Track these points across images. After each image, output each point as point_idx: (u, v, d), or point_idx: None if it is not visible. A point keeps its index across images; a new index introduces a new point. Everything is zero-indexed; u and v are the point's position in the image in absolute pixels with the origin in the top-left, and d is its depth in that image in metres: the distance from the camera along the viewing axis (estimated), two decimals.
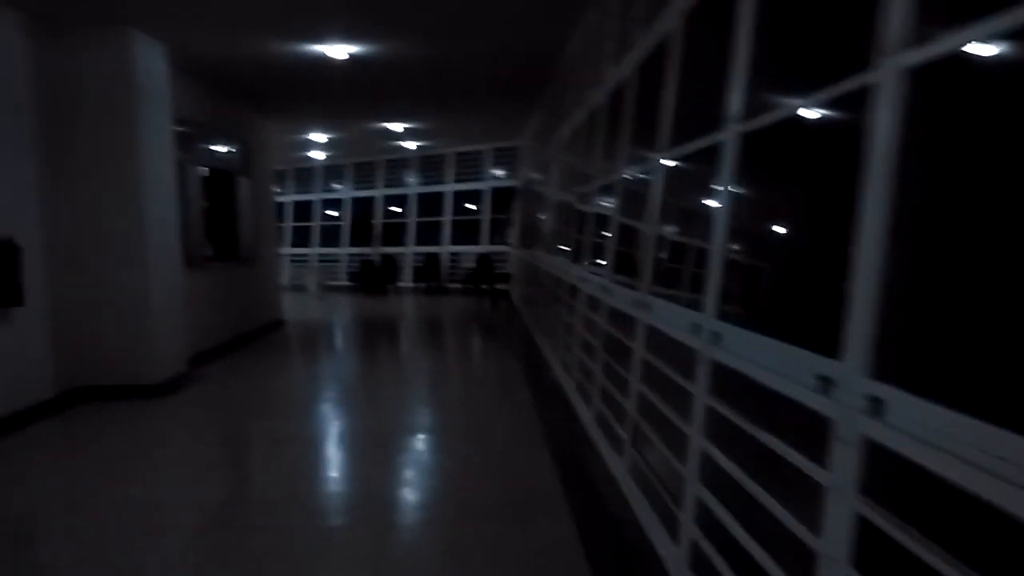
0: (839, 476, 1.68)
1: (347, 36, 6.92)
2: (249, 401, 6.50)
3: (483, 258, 15.60)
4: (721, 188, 2.54)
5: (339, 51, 7.31)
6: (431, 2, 5.97)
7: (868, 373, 1.59)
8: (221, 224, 9.88)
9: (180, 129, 7.95)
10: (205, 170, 9.54)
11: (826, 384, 1.74)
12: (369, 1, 5.95)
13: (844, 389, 1.67)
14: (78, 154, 6.13)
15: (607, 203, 4.88)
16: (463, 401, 6.41)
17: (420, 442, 5.15)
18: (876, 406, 1.56)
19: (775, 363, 2.01)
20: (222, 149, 9.45)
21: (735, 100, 2.49)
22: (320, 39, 6.97)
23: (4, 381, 5.34)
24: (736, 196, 2.49)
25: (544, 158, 10.30)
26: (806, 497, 1.85)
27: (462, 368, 8.06)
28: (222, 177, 9.69)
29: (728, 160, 2.50)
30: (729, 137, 2.51)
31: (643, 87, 4.12)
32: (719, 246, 2.52)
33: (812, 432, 1.81)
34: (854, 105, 1.79)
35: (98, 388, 6.29)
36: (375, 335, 10.91)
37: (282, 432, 5.37)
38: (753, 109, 2.39)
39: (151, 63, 6.60)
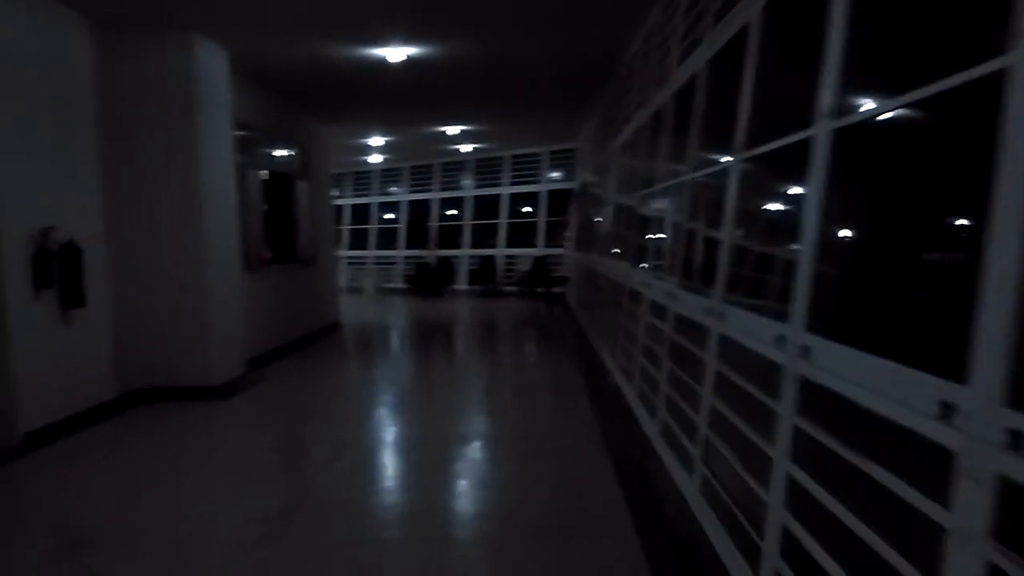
0: (965, 518, 1.45)
1: (407, 37, 6.85)
2: (305, 405, 6.49)
3: (539, 261, 15.45)
4: (810, 189, 2.32)
5: (398, 54, 7.25)
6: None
7: (1003, 401, 1.37)
8: (280, 227, 9.99)
9: (240, 133, 8.05)
10: (265, 173, 9.68)
11: (949, 412, 1.51)
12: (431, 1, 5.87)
13: (972, 419, 1.44)
14: (140, 159, 6.21)
15: (671, 206, 4.67)
16: (520, 408, 6.25)
17: (476, 451, 5.01)
18: (1015, 440, 1.33)
19: (880, 384, 1.78)
20: (281, 153, 9.54)
21: (828, 93, 2.26)
22: (379, 41, 6.93)
23: (67, 382, 5.42)
24: (827, 198, 2.25)
25: (603, 160, 10.08)
26: (914, 535, 1.64)
27: (518, 373, 7.91)
28: (281, 180, 9.78)
29: (820, 159, 2.28)
30: (821, 133, 2.27)
31: (714, 86, 3.91)
32: (809, 251, 2.30)
33: (922, 461, 1.60)
34: (973, 97, 1.57)
35: (157, 390, 6.37)
36: (430, 338, 10.87)
37: (337, 438, 5.30)
38: (845, 105, 2.18)
39: (213, 68, 6.66)
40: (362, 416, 6.05)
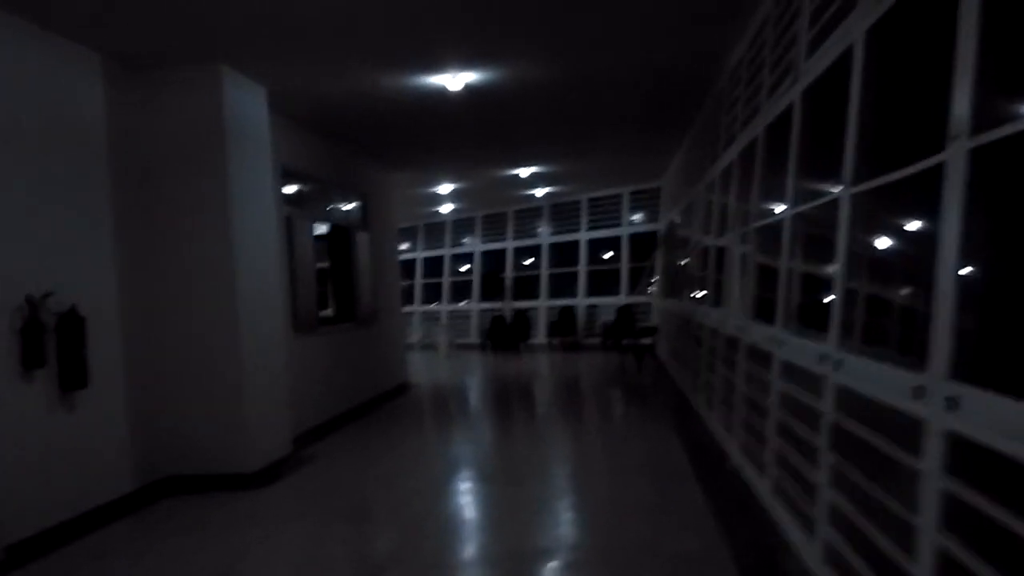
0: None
1: (466, 59, 5.92)
2: (356, 496, 5.40)
3: (623, 310, 14.15)
4: (947, 222, 2.06)
5: (455, 81, 6.33)
6: (566, 6, 4.85)
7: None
8: (338, 283, 9.16)
9: (289, 183, 7.27)
10: (323, 227, 8.90)
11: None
12: (489, 11, 4.91)
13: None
14: (161, 209, 5.44)
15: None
16: (615, 503, 4.93)
17: None
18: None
19: None
20: (338, 202, 8.75)
21: (961, 106, 1.99)
22: (435, 67, 6.03)
23: (67, 478, 4.52)
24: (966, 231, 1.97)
25: (692, 198, 8.85)
26: None
27: (609, 449, 6.60)
28: (339, 233, 8.99)
29: (955, 185, 2.01)
30: (955, 156, 2.00)
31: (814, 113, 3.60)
32: (949, 290, 2.03)
33: None
34: None
35: (185, 478, 5.45)
36: (506, 402, 9.70)
37: (381, 548, 4.19)
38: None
39: (247, 105, 5.89)
40: (417, 513, 4.89)
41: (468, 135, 8.69)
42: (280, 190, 7.01)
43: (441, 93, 6.62)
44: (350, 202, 9.07)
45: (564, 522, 4.56)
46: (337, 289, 9.24)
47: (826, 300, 3.17)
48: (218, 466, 5.49)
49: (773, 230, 4.28)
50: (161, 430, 5.38)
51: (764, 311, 4.59)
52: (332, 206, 8.56)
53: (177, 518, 4.92)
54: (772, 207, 4.53)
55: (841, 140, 3.00)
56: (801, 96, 3.78)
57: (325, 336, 7.97)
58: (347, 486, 5.64)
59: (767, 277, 4.65)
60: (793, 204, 3.83)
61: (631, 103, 7.80)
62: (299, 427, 6.84)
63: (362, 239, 9.24)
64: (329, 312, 9.20)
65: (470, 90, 6.56)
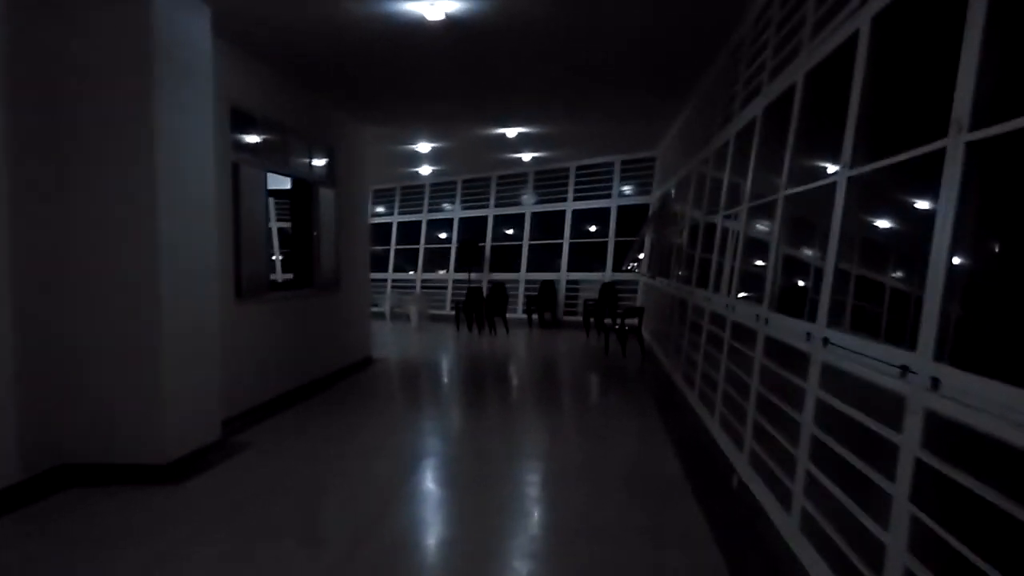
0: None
1: None
2: (288, 500, 4.52)
3: (607, 287, 13.30)
4: (942, 211, 2.08)
5: (434, 9, 5.36)
6: None
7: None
8: (299, 244, 8.20)
9: (240, 125, 6.26)
10: (279, 178, 7.92)
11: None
12: None
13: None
14: (68, 146, 4.44)
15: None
16: (593, 525, 4.11)
17: None
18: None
19: None
20: (300, 154, 7.74)
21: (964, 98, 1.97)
22: None
23: None
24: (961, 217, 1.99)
25: (692, 171, 7.98)
26: None
27: (588, 452, 5.72)
28: (300, 188, 8.01)
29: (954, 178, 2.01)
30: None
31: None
32: (938, 276, 2.04)
33: None
34: None
35: (87, 468, 4.53)
36: (476, 386, 8.84)
37: (328, 562, 3.34)
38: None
39: (184, 26, 4.88)
40: (358, 528, 4.03)
41: (449, 81, 7.70)
42: (228, 134, 6.02)
43: (418, 24, 5.64)
44: (314, 155, 8.07)
45: (530, 552, 3.72)
46: (295, 251, 8.30)
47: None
48: (126, 454, 4.58)
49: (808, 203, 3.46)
50: (60, 407, 4.45)
51: (789, 302, 3.75)
52: (293, 158, 7.55)
53: (64, 520, 4.01)
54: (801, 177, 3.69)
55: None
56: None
57: (275, 303, 7.03)
58: (280, 485, 4.74)
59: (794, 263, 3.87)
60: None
61: (637, 56, 6.87)
62: (235, 407, 5.94)
63: (326, 196, 8.26)
64: (287, 276, 8.28)
65: (452, 22, 5.59)
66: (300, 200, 8.08)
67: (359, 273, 9.54)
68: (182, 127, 4.84)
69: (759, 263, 4.65)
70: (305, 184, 7.96)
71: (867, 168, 2.86)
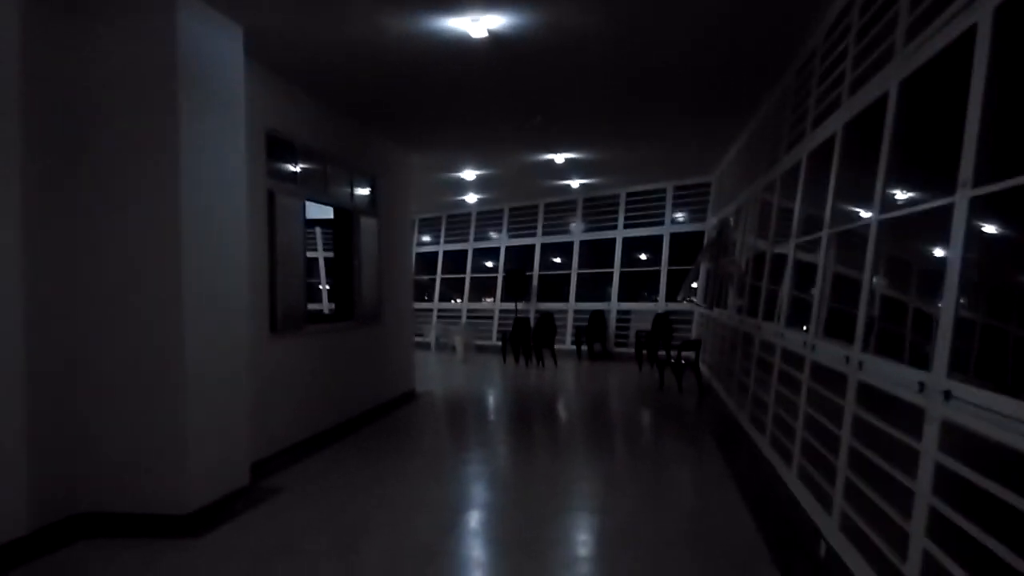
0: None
1: None
2: (318, 553, 4.10)
3: (661, 318, 12.70)
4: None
5: (477, 26, 5.02)
6: None
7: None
8: (340, 275, 7.91)
9: (276, 151, 6.01)
10: (319, 207, 7.67)
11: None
12: None
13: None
14: (87, 172, 4.20)
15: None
16: None
17: None
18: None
19: None
20: (341, 183, 7.48)
21: None
22: (451, 5, 4.72)
23: None
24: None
25: (754, 196, 7.44)
26: None
27: (649, 506, 5.14)
28: (343, 218, 7.74)
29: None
30: None
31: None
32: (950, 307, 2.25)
33: None
34: None
35: (103, 517, 4.20)
36: (523, 425, 8.35)
37: None
38: None
39: (214, 45, 4.64)
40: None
41: (494, 104, 7.36)
42: (263, 161, 5.76)
43: (460, 43, 5.31)
44: (356, 183, 7.80)
45: None
46: (336, 282, 8.01)
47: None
48: (145, 503, 4.24)
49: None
50: (74, 452, 4.15)
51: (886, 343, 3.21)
52: (333, 186, 7.29)
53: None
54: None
55: None
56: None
57: (313, 337, 6.70)
58: (308, 539, 4.33)
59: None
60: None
61: (693, 75, 6.43)
62: (266, 448, 5.59)
63: (368, 226, 7.97)
64: (327, 308, 7.99)
65: (496, 40, 5.25)
66: (341, 230, 7.81)
67: (402, 304, 9.21)
68: (211, 154, 4.57)
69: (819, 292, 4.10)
70: (346, 213, 7.69)
71: (998, 186, 2.34)
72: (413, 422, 8.10)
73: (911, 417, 2.70)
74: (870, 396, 3.27)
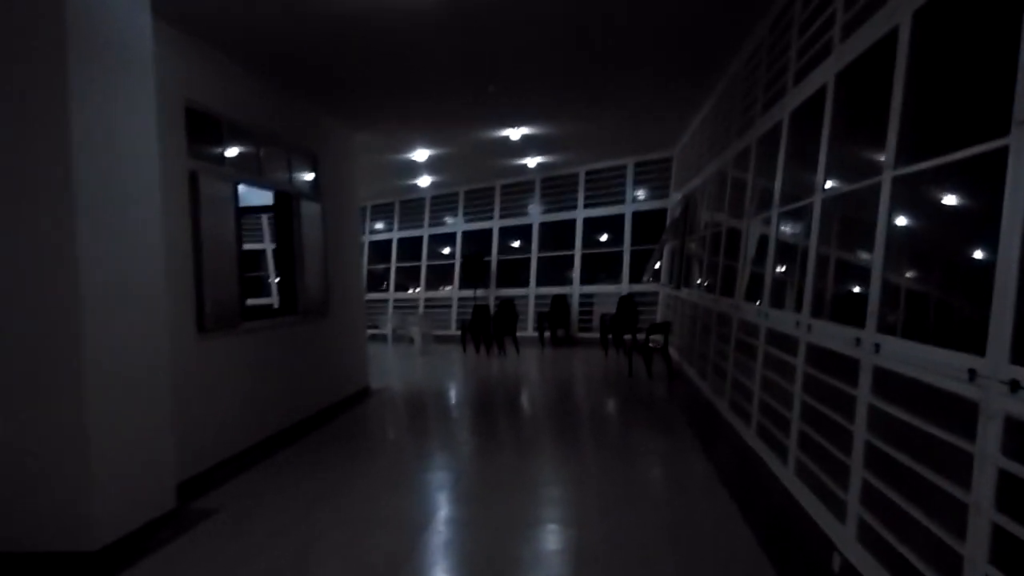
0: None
1: None
2: None
3: (625, 301, 12.28)
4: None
5: None
6: None
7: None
8: (281, 266, 7.24)
9: (198, 126, 5.30)
10: (256, 192, 6.99)
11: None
12: None
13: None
14: None
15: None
16: None
17: None
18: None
19: None
20: (278, 163, 6.79)
21: None
22: None
23: None
24: None
25: (725, 166, 7.00)
26: None
27: (632, 511, 4.66)
28: (282, 202, 7.05)
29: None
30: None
31: None
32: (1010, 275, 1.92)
33: None
34: None
35: None
36: (488, 419, 7.81)
37: None
38: None
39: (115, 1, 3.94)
40: None
41: (444, 71, 6.72)
42: (182, 137, 5.07)
43: (407, 5, 4.69)
44: (295, 164, 7.11)
45: None
46: (278, 274, 7.33)
47: None
48: (42, 538, 3.58)
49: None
50: None
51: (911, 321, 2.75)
52: (269, 166, 6.60)
53: None
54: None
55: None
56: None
57: (251, 335, 6.04)
58: (250, 568, 3.73)
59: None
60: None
61: (656, 39, 5.92)
62: (198, 463, 4.95)
63: (310, 211, 7.30)
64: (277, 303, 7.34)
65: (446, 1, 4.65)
66: (282, 216, 7.13)
67: (352, 295, 8.56)
68: (111, 124, 3.89)
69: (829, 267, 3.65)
70: (286, 197, 7.01)
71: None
72: (367, 423, 7.50)
73: (952, 410, 2.24)
74: (889, 384, 2.81)
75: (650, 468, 5.67)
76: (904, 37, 2.89)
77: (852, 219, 3.71)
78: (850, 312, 3.31)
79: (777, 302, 4.65)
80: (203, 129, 5.36)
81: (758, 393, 4.86)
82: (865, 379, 3.00)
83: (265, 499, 4.87)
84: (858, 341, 3.08)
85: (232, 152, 5.85)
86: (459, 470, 5.63)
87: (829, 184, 3.82)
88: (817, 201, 3.92)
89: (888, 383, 2.83)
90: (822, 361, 3.62)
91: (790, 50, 4.68)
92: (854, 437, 3.05)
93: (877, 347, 2.90)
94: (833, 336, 3.46)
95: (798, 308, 4.09)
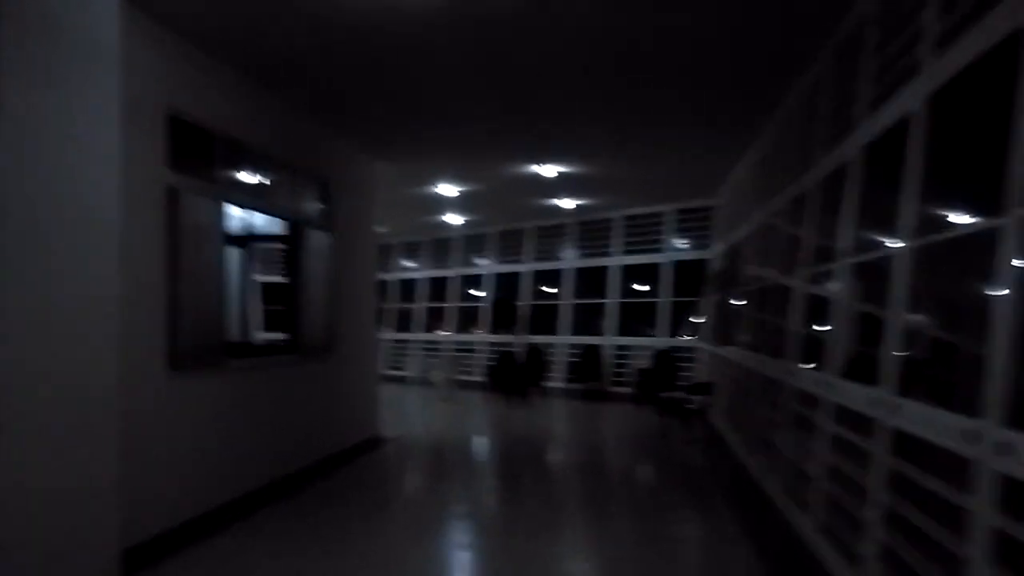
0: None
1: None
2: None
3: (663, 356, 11.39)
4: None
5: None
6: None
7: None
8: (282, 298, 6.63)
9: (183, 137, 4.75)
10: (278, 221, 6.43)
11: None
12: None
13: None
14: None
15: None
16: None
17: None
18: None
19: None
20: (282, 186, 6.22)
21: None
22: None
23: None
24: None
25: (779, 215, 6.21)
26: None
27: None
28: (289, 230, 6.48)
29: None
30: None
31: None
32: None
33: None
34: None
35: None
36: (509, 482, 6.99)
37: None
38: None
39: None
40: None
41: (463, 90, 6.09)
42: (158, 145, 4.50)
43: (428, 24, 4.10)
44: (301, 187, 6.55)
45: None
46: (282, 307, 6.71)
47: None
48: None
49: None
50: None
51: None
52: (271, 189, 6.04)
53: None
54: None
55: None
56: None
57: (239, 374, 5.40)
58: None
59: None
60: None
61: (695, 81, 5.26)
62: (156, 524, 4.26)
63: (318, 241, 6.72)
64: (269, 337, 6.74)
65: (469, 19, 4.04)
66: (286, 244, 6.55)
67: (363, 334, 7.90)
68: (63, 124, 3.32)
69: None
70: (292, 225, 6.43)
71: None
72: (372, 478, 6.73)
73: None
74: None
75: (692, 561, 4.78)
76: None
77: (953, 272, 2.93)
78: (946, 394, 2.52)
79: (848, 372, 3.83)
80: (190, 142, 4.80)
81: (821, 480, 4.00)
82: (986, 488, 2.18)
83: (235, 570, 4.13)
84: (976, 436, 2.27)
85: (225, 171, 5.29)
86: (471, 542, 4.83)
87: (913, 228, 3.04)
88: (906, 251, 3.13)
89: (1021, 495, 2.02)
90: (917, 454, 2.78)
91: (859, 78, 3.94)
92: (969, 567, 2.22)
93: (1005, 447, 2.09)
94: (933, 424, 2.63)
95: (871, 381, 3.27)
